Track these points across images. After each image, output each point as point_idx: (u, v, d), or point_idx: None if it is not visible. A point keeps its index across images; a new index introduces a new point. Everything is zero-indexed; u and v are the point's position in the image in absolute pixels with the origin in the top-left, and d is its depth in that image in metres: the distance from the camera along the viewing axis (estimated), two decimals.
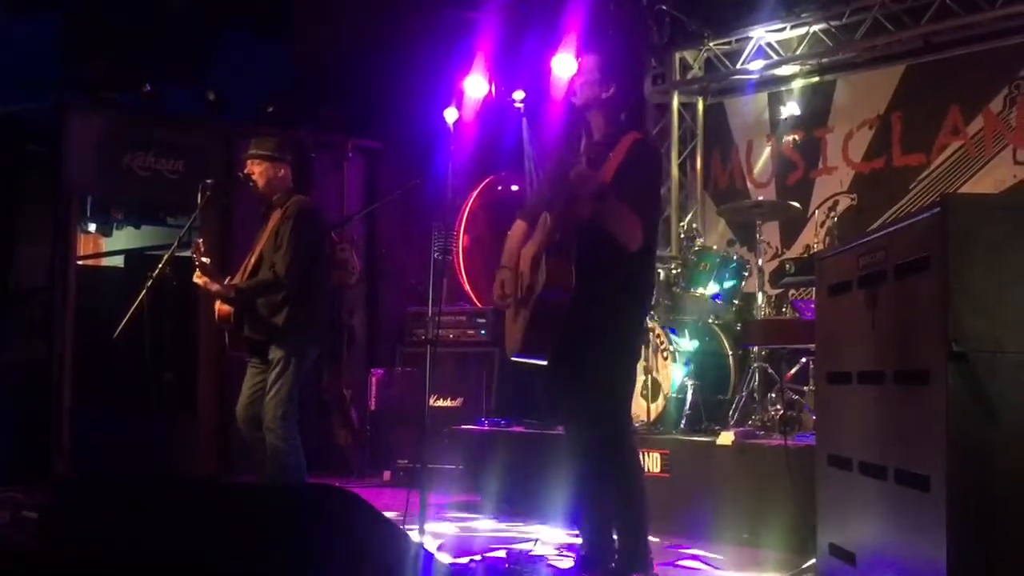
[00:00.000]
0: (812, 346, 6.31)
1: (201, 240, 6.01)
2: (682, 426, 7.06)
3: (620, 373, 4.69)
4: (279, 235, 5.96)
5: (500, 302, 4.87)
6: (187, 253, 6.46)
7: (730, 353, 7.51)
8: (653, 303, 7.56)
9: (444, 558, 5.35)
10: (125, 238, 10.58)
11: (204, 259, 5.88)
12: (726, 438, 6.30)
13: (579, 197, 4.44)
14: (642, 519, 4.68)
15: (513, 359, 4.88)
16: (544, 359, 4.77)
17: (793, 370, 7.16)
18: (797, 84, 9.35)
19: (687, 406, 7.11)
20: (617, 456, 4.67)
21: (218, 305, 6.00)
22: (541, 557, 5.39)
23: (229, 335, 6.09)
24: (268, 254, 5.98)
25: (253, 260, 6.05)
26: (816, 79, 9.26)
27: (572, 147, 4.96)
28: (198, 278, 5.91)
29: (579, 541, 4.98)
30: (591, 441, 4.65)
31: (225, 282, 5.97)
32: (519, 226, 4.97)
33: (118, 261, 10.68)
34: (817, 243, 7.78)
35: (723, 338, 7.54)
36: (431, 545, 5.58)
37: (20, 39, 8.71)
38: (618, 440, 4.67)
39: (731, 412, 7.17)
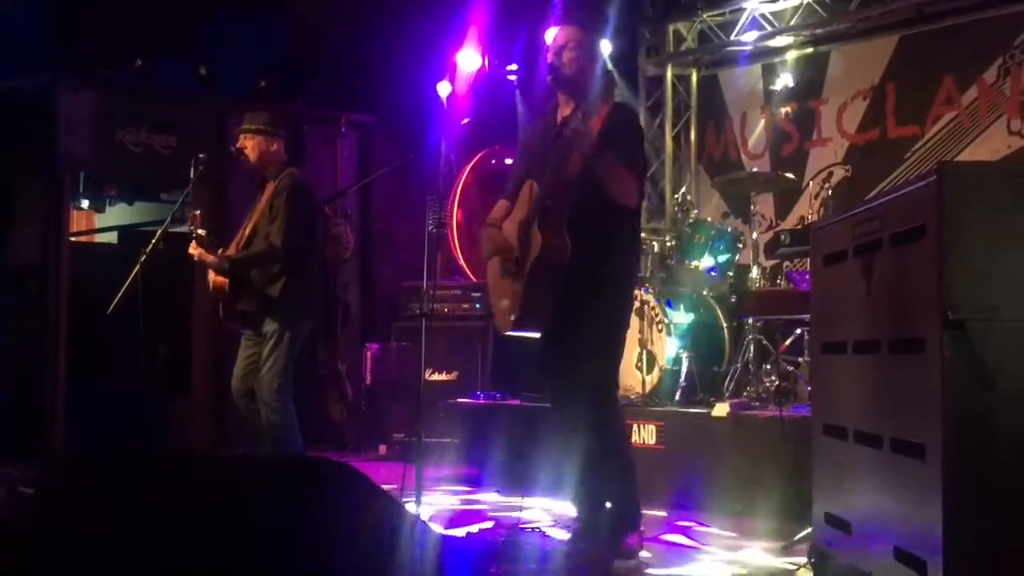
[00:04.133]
0: (807, 317, 6.31)
1: (198, 212, 5.98)
2: (677, 398, 7.07)
3: (614, 335, 4.77)
4: (273, 207, 5.95)
5: (491, 256, 4.88)
6: (181, 228, 6.44)
7: (725, 325, 7.51)
8: (648, 275, 7.57)
9: (441, 531, 5.36)
10: (118, 214, 10.57)
11: (200, 231, 5.88)
12: (721, 409, 6.31)
13: (578, 155, 4.45)
14: (632, 476, 4.78)
15: (507, 334, 4.88)
16: (538, 331, 4.78)
17: (788, 341, 7.15)
18: (791, 55, 9.31)
19: (682, 378, 7.11)
20: (605, 415, 4.74)
21: (213, 277, 6.00)
22: (537, 529, 5.41)
23: (223, 307, 6.08)
24: (262, 226, 5.97)
25: (247, 233, 6.04)
26: (810, 50, 9.24)
27: (547, 116, 5.00)
28: (193, 249, 5.90)
29: (574, 513, 4.99)
30: (582, 401, 4.70)
31: (219, 254, 5.97)
32: (501, 205, 5.01)
33: (111, 237, 10.67)
34: (811, 214, 7.78)
35: (718, 310, 7.55)
36: (427, 518, 5.59)
37: (11, 16, 8.66)
38: (607, 401, 4.78)
39: (726, 384, 7.19)
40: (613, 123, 4.52)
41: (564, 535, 5.11)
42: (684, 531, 5.57)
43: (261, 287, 5.93)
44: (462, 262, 9.65)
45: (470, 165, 9.85)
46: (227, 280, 5.94)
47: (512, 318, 4.73)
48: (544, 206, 4.58)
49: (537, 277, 4.59)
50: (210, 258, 5.91)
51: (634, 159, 4.65)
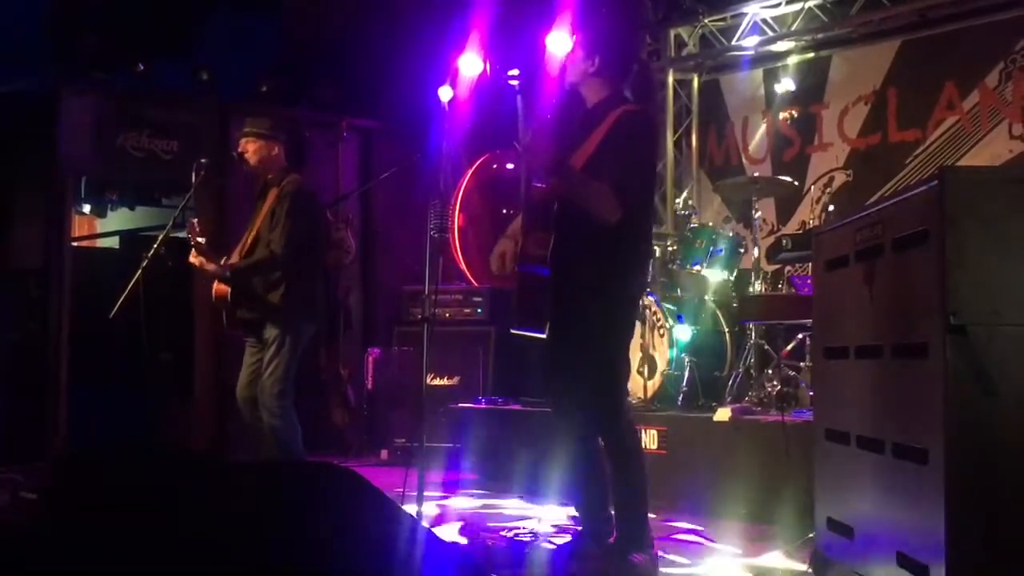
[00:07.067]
0: (809, 322, 6.31)
1: (196, 220, 5.99)
2: (679, 403, 7.07)
3: (610, 348, 4.52)
4: (276, 214, 5.96)
5: (498, 272, 4.84)
6: (182, 234, 6.45)
7: (727, 330, 7.50)
8: (649, 280, 7.55)
9: (442, 536, 5.35)
10: (120, 219, 10.56)
11: (199, 239, 5.88)
12: (723, 414, 6.30)
13: (536, 170, 4.44)
14: (642, 497, 4.57)
15: (512, 332, 4.83)
16: (541, 332, 4.71)
17: (790, 346, 7.15)
18: (792, 60, 9.32)
19: (684, 383, 7.11)
20: (614, 433, 4.56)
21: (215, 284, 6.00)
22: (538, 534, 5.40)
23: (226, 314, 6.08)
24: (264, 233, 5.98)
25: (250, 239, 6.05)
26: (811, 55, 9.24)
27: (542, 124, 4.93)
28: (193, 258, 5.90)
29: (576, 518, 4.97)
30: (586, 418, 4.56)
31: (221, 262, 5.97)
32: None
33: (113, 242, 10.67)
34: (813, 219, 7.79)
35: (720, 315, 7.54)
36: (429, 523, 5.59)
37: (10, 19, 8.66)
38: (612, 417, 4.55)
39: (728, 388, 7.18)
40: (614, 133, 4.39)
41: (565, 540, 5.09)
42: (685, 536, 5.56)
43: (262, 294, 5.93)
44: (463, 267, 9.65)
45: (472, 170, 9.85)
46: (229, 288, 5.94)
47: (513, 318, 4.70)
48: (535, 211, 4.56)
49: (521, 281, 4.58)
50: (211, 266, 5.91)
51: (624, 174, 4.36)
